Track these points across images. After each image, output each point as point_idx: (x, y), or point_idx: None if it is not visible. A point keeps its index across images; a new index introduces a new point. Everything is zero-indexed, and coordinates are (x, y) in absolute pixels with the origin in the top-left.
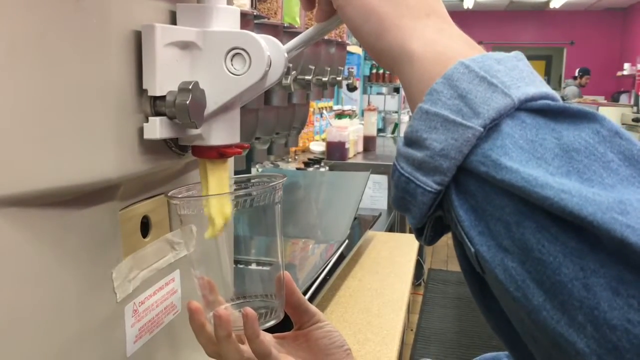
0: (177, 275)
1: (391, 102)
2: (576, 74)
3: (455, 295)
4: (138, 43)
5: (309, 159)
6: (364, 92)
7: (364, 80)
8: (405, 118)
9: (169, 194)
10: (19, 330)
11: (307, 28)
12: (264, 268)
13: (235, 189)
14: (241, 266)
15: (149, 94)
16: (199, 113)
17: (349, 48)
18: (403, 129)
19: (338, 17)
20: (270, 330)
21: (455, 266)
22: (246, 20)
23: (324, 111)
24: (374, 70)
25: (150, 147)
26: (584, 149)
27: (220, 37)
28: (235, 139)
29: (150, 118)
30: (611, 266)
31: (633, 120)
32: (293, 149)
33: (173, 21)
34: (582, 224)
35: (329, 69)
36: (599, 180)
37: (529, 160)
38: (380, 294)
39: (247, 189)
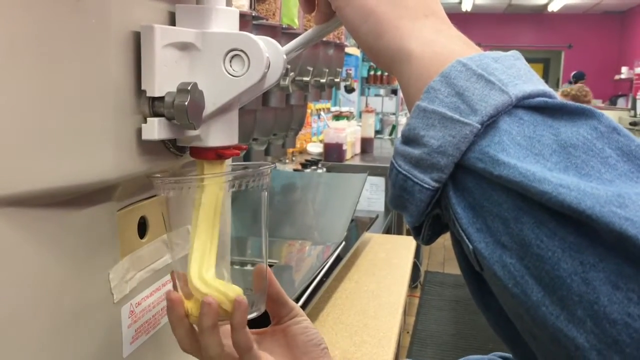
0: None
1: (389, 104)
2: (571, 79)
3: (452, 298)
4: (137, 44)
5: (307, 160)
6: (362, 93)
7: (362, 82)
8: (402, 120)
9: (154, 175)
10: (16, 330)
11: (305, 29)
12: (246, 260)
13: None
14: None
15: (148, 94)
16: (198, 114)
17: (347, 50)
18: (400, 130)
19: (337, 19)
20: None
21: (452, 268)
22: (245, 21)
23: (322, 112)
24: (372, 72)
25: (149, 148)
26: (581, 145)
27: (219, 39)
28: (234, 140)
29: (148, 119)
30: (610, 260)
31: (630, 123)
32: (290, 150)
33: (172, 22)
34: (581, 218)
35: (327, 70)
36: (597, 176)
37: (526, 156)
38: (376, 296)
39: (232, 172)
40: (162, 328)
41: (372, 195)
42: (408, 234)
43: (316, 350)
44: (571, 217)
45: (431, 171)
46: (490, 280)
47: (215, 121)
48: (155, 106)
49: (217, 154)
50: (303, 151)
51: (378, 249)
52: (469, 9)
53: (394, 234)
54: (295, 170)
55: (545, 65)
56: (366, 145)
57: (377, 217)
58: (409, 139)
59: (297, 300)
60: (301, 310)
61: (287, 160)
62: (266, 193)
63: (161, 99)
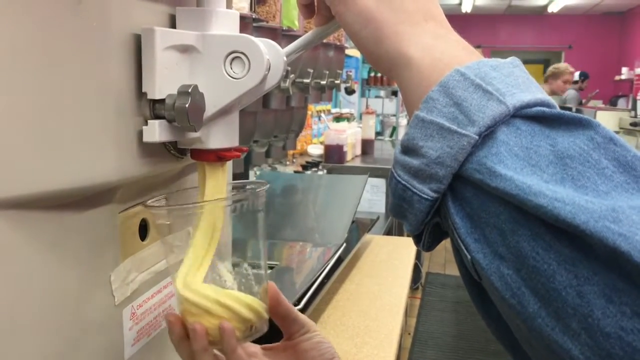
0: None
1: (389, 106)
2: (577, 78)
3: (453, 299)
4: (138, 46)
5: (307, 162)
6: (362, 95)
7: (362, 84)
8: (403, 121)
9: (147, 203)
10: (17, 332)
11: (305, 31)
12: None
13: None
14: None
15: (149, 97)
16: (198, 116)
17: (347, 51)
18: (401, 132)
19: (337, 22)
20: (260, 340)
21: (453, 270)
22: (245, 23)
23: (322, 114)
24: (372, 74)
25: (150, 150)
26: (578, 156)
27: (220, 41)
28: (234, 142)
29: (149, 121)
30: (604, 274)
31: (631, 124)
32: (291, 152)
33: (173, 25)
34: (576, 232)
35: (327, 72)
36: (593, 187)
37: (523, 168)
38: (378, 298)
39: (228, 197)
40: (163, 330)
41: (373, 196)
42: (409, 235)
43: None
44: (566, 230)
45: (430, 182)
46: (489, 289)
47: (215, 123)
48: (156, 108)
49: (218, 156)
50: (303, 153)
51: (379, 250)
52: (468, 10)
53: (394, 235)
54: (295, 172)
55: (546, 66)
56: (367, 146)
57: (378, 218)
58: (408, 149)
59: (298, 302)
60: (314, 325)
61: (287, 162)
62: (262, 214)
63: (162, 101)
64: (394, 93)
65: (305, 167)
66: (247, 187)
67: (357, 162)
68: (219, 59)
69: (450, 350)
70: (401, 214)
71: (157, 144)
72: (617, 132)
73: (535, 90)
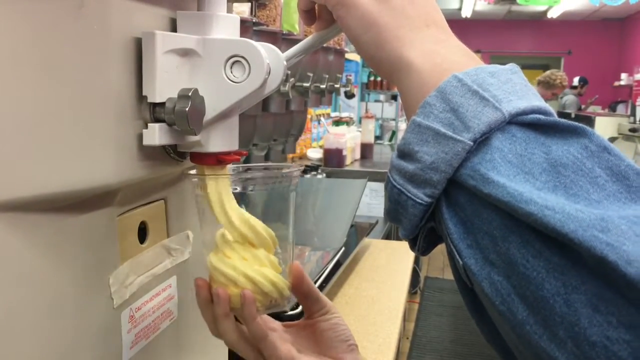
0: (174, 281)
1: (389, 110)
2: (576, 83)
3: (452, 304)
4: (138, 50)
5: (307, 166)
6: (362, 99)
7: (362, 88)
8: (402, 126)
9: (189, 172)
10: (16, 335)
11: (306, 36)
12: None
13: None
14: None
15: (149, 100)
16: (198, 120)
17: (347, 55)
18: (400, 136)
19: (338, 26)
20: (281, 318)
21: (451, 274)
22: (245, 27)
23: (322, 118)
24: (372, 78)
25: (149, 154)
26: (571, 164)
27: (220, 45)
28: (234, 145)
29: (149, 124)
30: (592, 283)
31: (630, 130)
32: (290, 155)
33: (173, 28)
34: (565, 240)
35: (327, 76)
36: (585, 196)
37: (516, 175)
38: (376, 302)
39: (260, 173)
40: (162, 333)
41: (372, 200)
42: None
43: (342, 346)
44: (556, 239)
45: (424, 186)
46: (480, 295)
47: (215, 127)
48: (156, 112)
49: (218, 160)
50: (303, 157)
51: (378, 254)
52: (468, 16)
53: (393, 239)
54: None
55: (545, 71)
56: (366, 151)
57: (376, 222)
58: (404, 154)
59: (296, 305)
60: (334, 307)
61: None
62: (294, 194)
63: (162, 104)
64: (394, 97)
65: (304, 170)
66: (283, 170)
67: (357, 166)
68: (219, 63)
69: (448, 355)
70: (396, 218)
71: (157, 147)
72: (616, 138)
73: (533, 97)
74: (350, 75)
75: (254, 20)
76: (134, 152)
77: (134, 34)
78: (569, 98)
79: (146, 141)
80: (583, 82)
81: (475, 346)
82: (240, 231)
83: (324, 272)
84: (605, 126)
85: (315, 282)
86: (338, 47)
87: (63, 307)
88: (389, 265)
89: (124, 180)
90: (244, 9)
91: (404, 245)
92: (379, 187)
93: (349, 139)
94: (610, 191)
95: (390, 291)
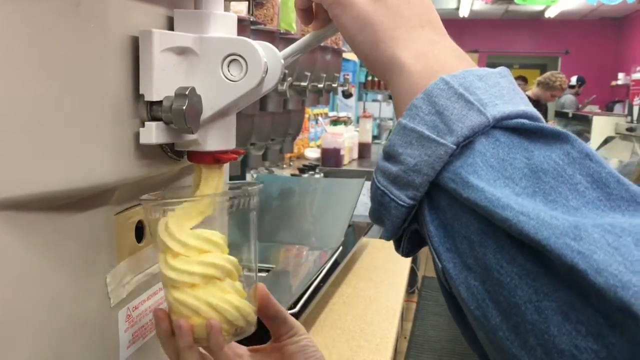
0: None
1: (386, 109)
2: (574, 83)
3: None
4: (135, 48)
5: (304, 165)
6: (360, 99)
7: (360, 87)
8: None
9: (142, 197)
10: (12, 334)
11: (303, 34)
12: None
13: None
14: None
15: (146, 99)
16: (195, 118)
17: (344, 55)
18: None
19: (334, 25)
20: (247, 341)
21: None
22: (243, 26)
23: (320, 118)
24: (370, 77)
25: (146, 152)
26: (552, 170)
27: (217, 43)
28: (231, 144)
29: (146, 123)
30: (563, 291)
31: (627, 129)
32: (288, 155)
33: (170, 27)
34: (538, 247)
35: (324, 75)
36: (564, 202)
37: (497, 179)
38: (374, 301)
39: (223, 192)
40: None
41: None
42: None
43: None
44: (530, 245)
45: (407, 189)
46: (458, 299)
47: (212, 126)
48: (153, 110)
49: (215, 158)
50: (300, 156)
51: (375, 254)
52: (466, 15)
53: None
54: (292, 175)
55: (542, 71)
56: (364, 150)
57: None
58: (389, 155)
59: (294, 305)
60: (302, 328)
61: (284, 165)
62: (255, 214)
63: (159, 103)
64: (392, 97)
65: (302, 170)
66: (241, 187)
67: (354, 166)
68: (217, 62)
69: (446, 355)
70: (379, 219)
71: (154, 146)
72: (613, 138)
73: (520, 101)
74: (347, 75)
75: (251, 19)
76: (131, 150)
77: (131, 32)
78: (568, 98)
79: (143, 140)
80: (581, 81)
81: None
82: (203, 273)
83: (321, 271)
84: (602, 126)
85: (313, 282)
86: (336, 47)
87: (60, 305)
88: (387, 265)
89: (121, 178)
90: (242, 8)
91: None
92: None
93: (347, 139)
94: (590, 198)
95: (388, 291)
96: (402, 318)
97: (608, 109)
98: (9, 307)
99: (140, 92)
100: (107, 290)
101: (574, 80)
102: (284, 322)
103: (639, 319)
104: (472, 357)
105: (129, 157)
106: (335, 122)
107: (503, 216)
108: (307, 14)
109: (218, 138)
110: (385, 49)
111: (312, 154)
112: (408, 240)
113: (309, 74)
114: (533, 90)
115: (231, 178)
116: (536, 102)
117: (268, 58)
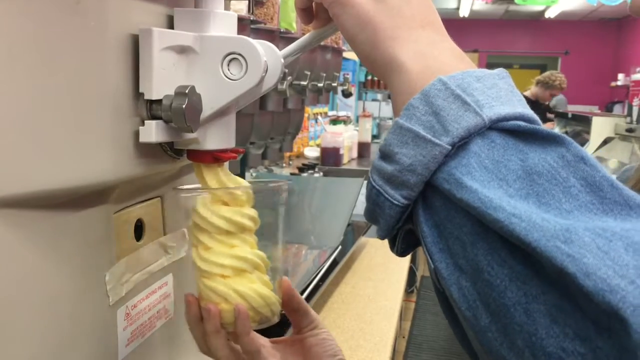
0: (170, 279)
1: (386, 109)
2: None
3: None
4: (135, 47)
5: (303, 165)
6: (359, 98)
7: (359, 87)
8: None
9: (178, 187)
10: (11, 332)
11: (303, 34)
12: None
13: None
14: None
15: (145, 97)
16: (195, 117)
17: (344, 54)
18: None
19: (334, 24)
20: (269, 334)
21: None
22: (243, 25)
23: (319, 117)
24: (370, 77)
25: (146, 151)
26: (546, 173)
27: (217, 42)
28: (231, 143)
29: (146, 121)
30: (552, 294)
31: (626, 130)
32: (287, 154)
33: (170, 25)
34: (528, 249)
35: (324, 74)
36: (557, 205)
37: (491, 181)
38: (373, 301)
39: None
40: (157, 331)
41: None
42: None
43: None
44: (521, 247)
45: (401, 188)
46: (450, 299)
47: (212, 124)
48: (152, 109)
49: (214, 157)
50: (300, 155)
51: (374, 253)
52: (466, 15)
53: None
54: (292, 174)
55: (542, 71)
56: (363, 149)
57: None
58: (385, 155)
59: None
60: (321, 322)
61: (284, 164)
62: (284, 208)
63: (159, 101)
64: (390, 96)
65: (301, 169)
66: (270, 184)
67: (354, 165)
68: (217, 60)
69: (445, 354)
70: (374, 218)
71: (153, 145)
72: (612, 138)
73: (517, 103)
74: (347, 74)
75: (251, 18)
76: (131, 149)
77: (131, 30)
78: (558, 98)
79: (143, 138)
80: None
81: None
82: (234, 266)
83: (320, 270)
84: (601, 126)
85: (312, 281)
86: (336, 46)
87: (59, 303)
88: (386, 264)
89: (121, 177)
90: (242, 7)
91: None
92: None
93: (346, 138)
94: (583, 201)
95: (386, 290)
96: (401, 317)
97: (607, 109)
98: (7, 305)
99: (140, 91)
100: (106, 289)
101: None
102: (305, 314)
103: (626, 323)
104: (470, 357)
105: (129, 156)
106: (335, 121)
107: (495, 217)
108: (307, 13)
109: (218, 137)
110: (386, 49)
111: (312, 153)
112: (402, 240)
113: (308, 73)
114: (532, 89)
115: None
116: (535, 101)
117: (268, 57)
